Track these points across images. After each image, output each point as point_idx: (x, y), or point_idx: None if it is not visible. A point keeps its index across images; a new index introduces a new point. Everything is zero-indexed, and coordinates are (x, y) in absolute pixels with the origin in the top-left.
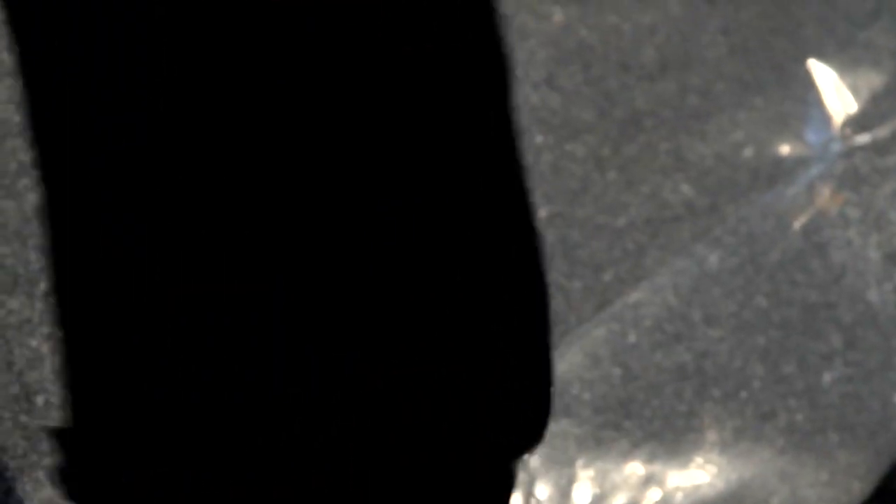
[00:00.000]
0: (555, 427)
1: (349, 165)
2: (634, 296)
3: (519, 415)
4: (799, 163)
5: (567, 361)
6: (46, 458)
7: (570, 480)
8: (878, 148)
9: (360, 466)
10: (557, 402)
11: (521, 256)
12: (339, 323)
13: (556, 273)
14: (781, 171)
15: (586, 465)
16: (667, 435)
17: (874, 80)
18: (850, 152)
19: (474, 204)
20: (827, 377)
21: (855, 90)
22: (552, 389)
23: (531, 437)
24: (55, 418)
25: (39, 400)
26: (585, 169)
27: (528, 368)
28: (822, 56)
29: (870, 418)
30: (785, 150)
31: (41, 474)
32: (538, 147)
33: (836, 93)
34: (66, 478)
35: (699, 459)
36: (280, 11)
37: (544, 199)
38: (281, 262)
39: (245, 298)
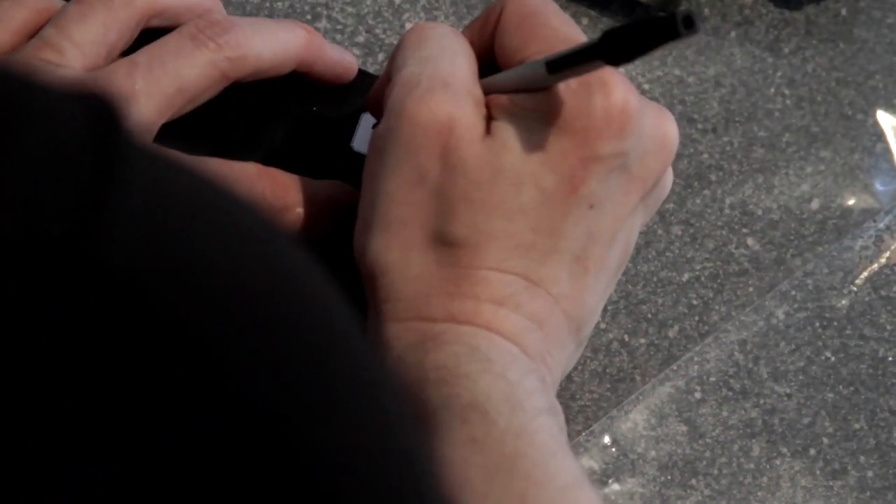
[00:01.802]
0: (620, 486)
1: None
2: (700, 352)
3: None
4: (867, 214)
5: (632, 419)
6: None
7: None
8: None
9: None
10: (623, 461)
11: None
12: None
13: (620, 330)
14: (849, 223)
15: None
16: (735, 493)
17: None
18: None
19: None
20: None
21: None
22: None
23: None
24: None
25: None
26: (650, 224)
27: None
28: (890, 107)
29: None
30: (852, 201)
31: None
32: None
33: None
34: None
35: None
36: None
37: None
38: None
39: None
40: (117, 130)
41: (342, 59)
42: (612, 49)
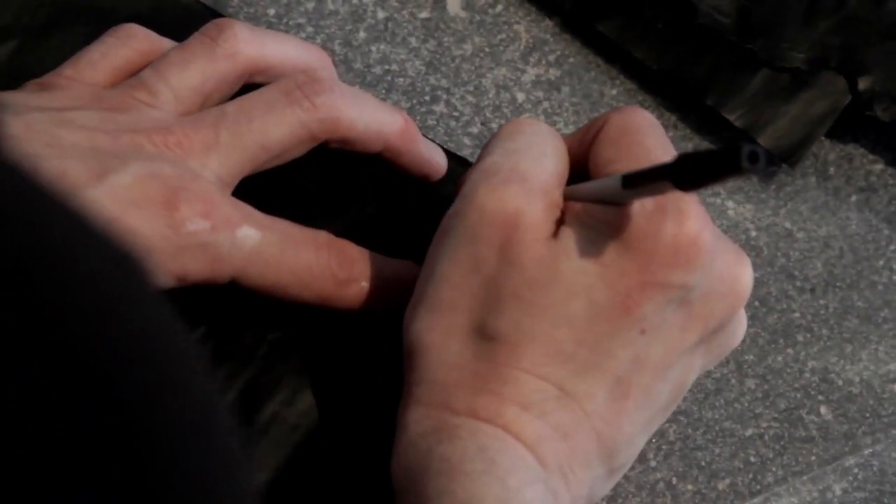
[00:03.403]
0: None
1: None
2: None
3: None
4: None
5: None
6: None
7: None
8: None
9: None
10: None
11: None
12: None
13: (670, 472)
14: None
15: None
16: None
17: None
18: None
19: None
20: None
21: None
22: None
23: None
24: None
25: None
26: (724, 371)
27: None
28: None
29: None
30: None
31: None
32: None
33: None
34: None
35: None
36: None
37: None
38: None
39: None
40: None
41: (431, 158)
42: (681, 172)
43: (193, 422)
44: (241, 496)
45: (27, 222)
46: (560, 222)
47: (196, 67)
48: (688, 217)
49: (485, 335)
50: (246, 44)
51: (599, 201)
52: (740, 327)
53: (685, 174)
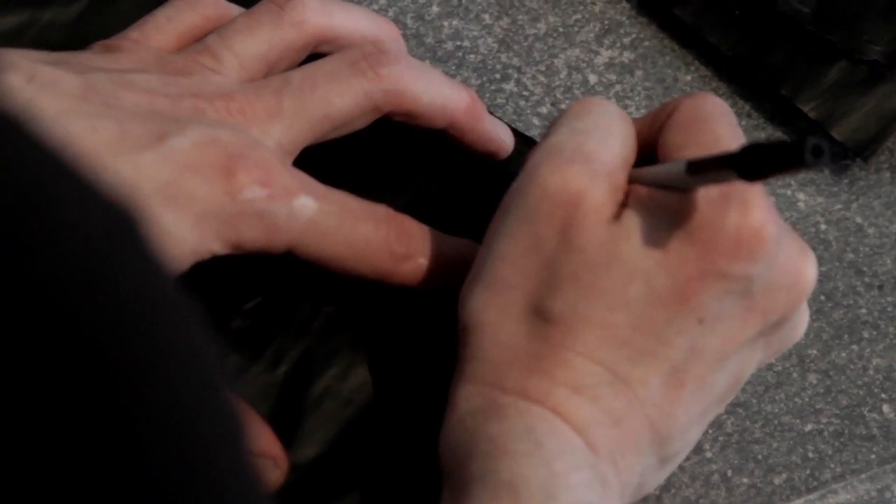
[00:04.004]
0: None
1: None
2: None
3: None
4: None
5: None
6: None
7: None
8: None
9: None
10: None
11: None
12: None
13: (726, 464)
14: None
15: None
16: None
17: None
18: None
19: None
20: None
21: None
22: None
23: None
24: None
25: None
26: (786, 365)
27: None
28: None
29: None
30: None
31: None
32: None
33: None
34: None
35: None
36: None
37: None
38: None
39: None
40: None
41: (496, 136)
42: (746, 163)
43: (189, 397)
44: (240, 467)
45: (16, 177)
46: (623, 205)
47: (262, 34)
48: (752, 208)
49: (540, 315)
50: (314, 13)
51: (664, 186)
52: (802, 322)
53: (750, 165)
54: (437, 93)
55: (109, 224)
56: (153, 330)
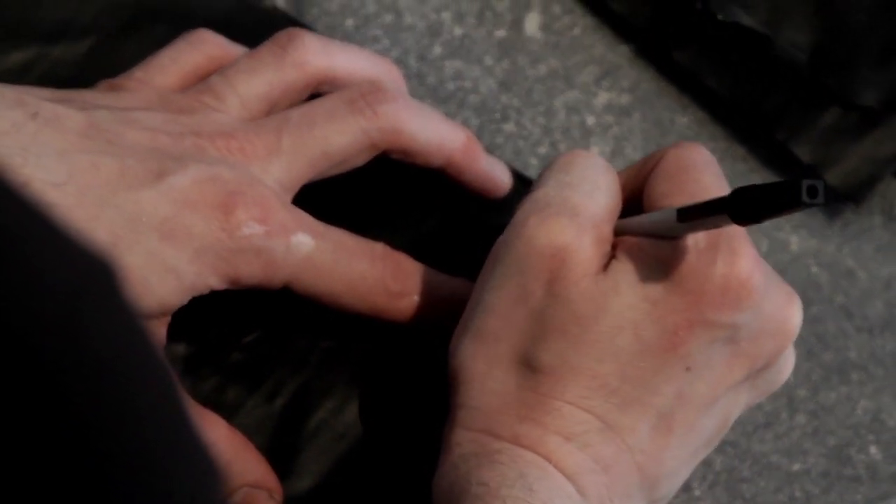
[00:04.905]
0: None
1: None
2: None
3: None
4: None
5: None
6: None
7: None
8: None
9: None
10: None
11: None
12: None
13: (713, 501)
14: None
15: None
16: None
17: None
18: None
19: None
20: None
21: None
22: None
23: None
24: None
25: None
26: (776, 405)
27: None
28: None
29: None
30: None
31: None
32: None
33: None
34: None
35: None
36: None
37: None
38: None
39: None
40: None
41: (493, 175)
42: (738, 206)
43: (161, 451)
44: None
45: None
46: (611, 256)
47: (263, 75)
48: (740, 257)
49: (529, 366)
50: (314, 54)
51: (652, 235)
52: (788, 365)
53: (743, 207)
54: (433, 132)
55: (81, 276)
56: (124, 384)
